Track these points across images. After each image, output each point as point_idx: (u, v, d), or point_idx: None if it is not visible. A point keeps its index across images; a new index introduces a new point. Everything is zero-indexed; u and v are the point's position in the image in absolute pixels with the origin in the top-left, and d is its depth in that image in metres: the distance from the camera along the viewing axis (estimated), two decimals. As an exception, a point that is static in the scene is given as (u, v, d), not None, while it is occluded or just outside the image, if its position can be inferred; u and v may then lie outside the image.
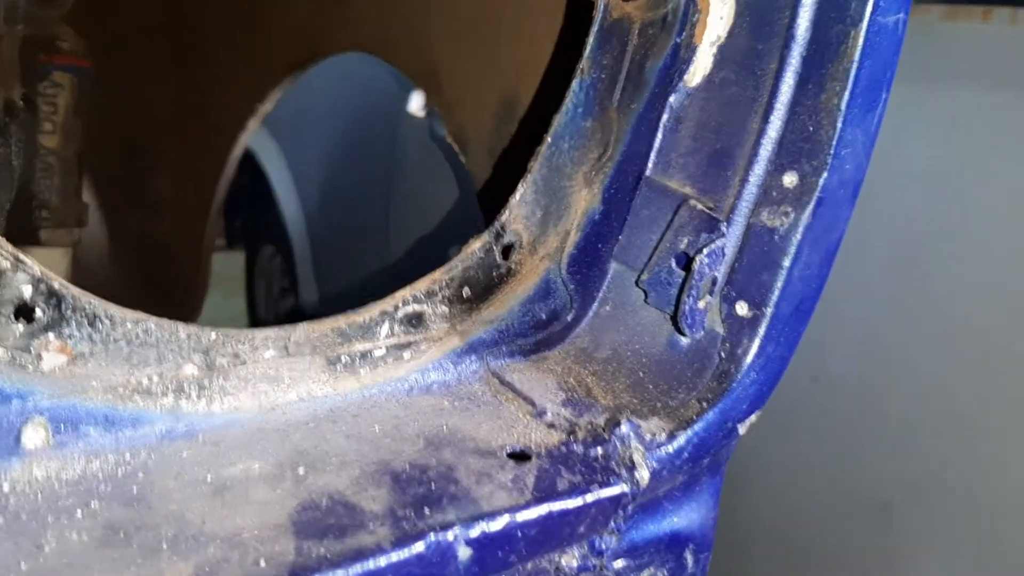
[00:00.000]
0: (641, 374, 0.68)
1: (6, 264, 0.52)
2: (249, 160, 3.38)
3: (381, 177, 2.58)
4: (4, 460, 0.51)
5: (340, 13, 1.61)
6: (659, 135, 0.69)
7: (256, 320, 3.95)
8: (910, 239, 1.49)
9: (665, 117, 0.69)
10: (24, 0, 1.08)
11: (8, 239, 0.54)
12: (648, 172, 0.70)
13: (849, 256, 1.55)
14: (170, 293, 2.13)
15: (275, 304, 3.75)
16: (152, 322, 0.56)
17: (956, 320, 1.40)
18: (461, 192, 1.88)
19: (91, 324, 0.54)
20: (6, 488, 0.50)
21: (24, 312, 0.52)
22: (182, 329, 0.57)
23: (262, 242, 3.69)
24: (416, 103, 2.30)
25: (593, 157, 0.69)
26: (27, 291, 0.52)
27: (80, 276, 1.94)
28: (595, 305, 0.72)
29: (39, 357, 0.53)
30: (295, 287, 3.33)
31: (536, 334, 0.70)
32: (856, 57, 0.60)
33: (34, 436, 0.52)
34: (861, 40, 0.60)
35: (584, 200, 0.70)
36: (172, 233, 2.02)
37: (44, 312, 0.53)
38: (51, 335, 0.53)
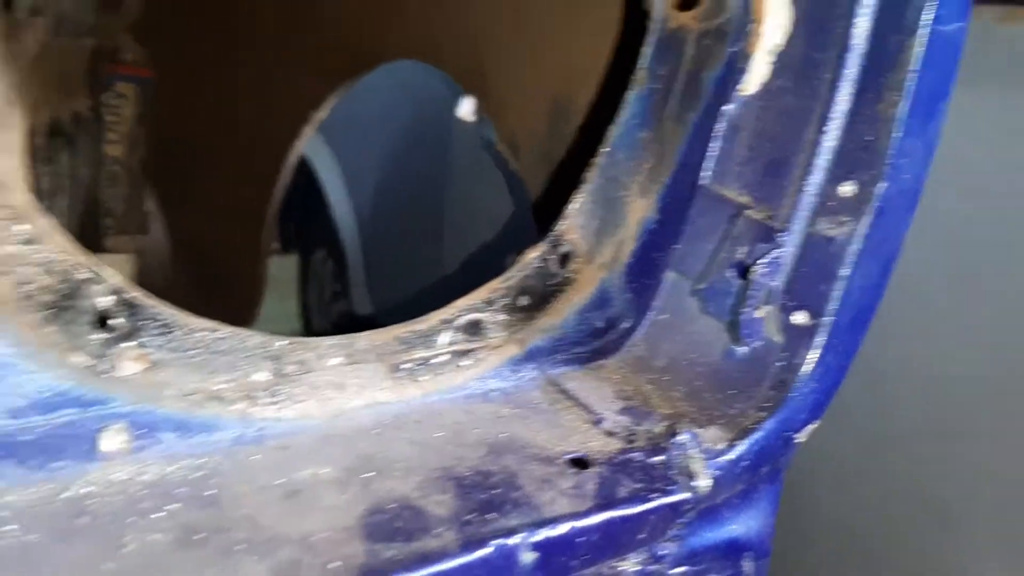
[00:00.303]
0: (698, 383, 0.69)
1: (87, 275, 0.54)
2: (303, 165, 3.43)
3: (433, 183, 2.60)
4: (83, 463, 0.53)
5: (391, 20, 1.63)
6: (715, 144, 0.70)
7: (308, 323, 4.00)
8: (968, 245, 1.47)
9: (721, 126, 0.69)
10: (91, 12, 1.11)
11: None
12: (704, 181, 0.71)
13: (906, 258, 1.53)
14: (228, 297, 2.17)
15: (327, 307, 3.79)
16: (225, 331, 0.58)
17: (1019, 319, 1.38)
18: (513, 198, 1.89)
19: (167, 333, 0.56)
20: (86, 491, 0.52)
21: (103, 321, 0.55)
22: (253, 337, 0.59)
23: (315, 246, 3.74)
24: (466, 108, 2.31)
25: (648, 167, 0.70)
26: (106, 301, 0.54)
27: (140, 280, 1.99)
28: (651, 314, 0.72)
29: (117, 365, 0.55)
30: (347, 291, 3.38)
31: (593, 342, 0.71)
32: (914, 67, 0.60)
33: (112, 441, 0.54)
34: (919, 49, 0.60)
35: (640, 210, 0.71)
36: (230, 238, 2.06)
37: (122, 321, 0.55)
38: (129, 343, 0.55)
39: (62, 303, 0.53)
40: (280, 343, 0.60)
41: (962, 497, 1.46)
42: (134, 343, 0.55)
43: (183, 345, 0.57)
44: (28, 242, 0.52)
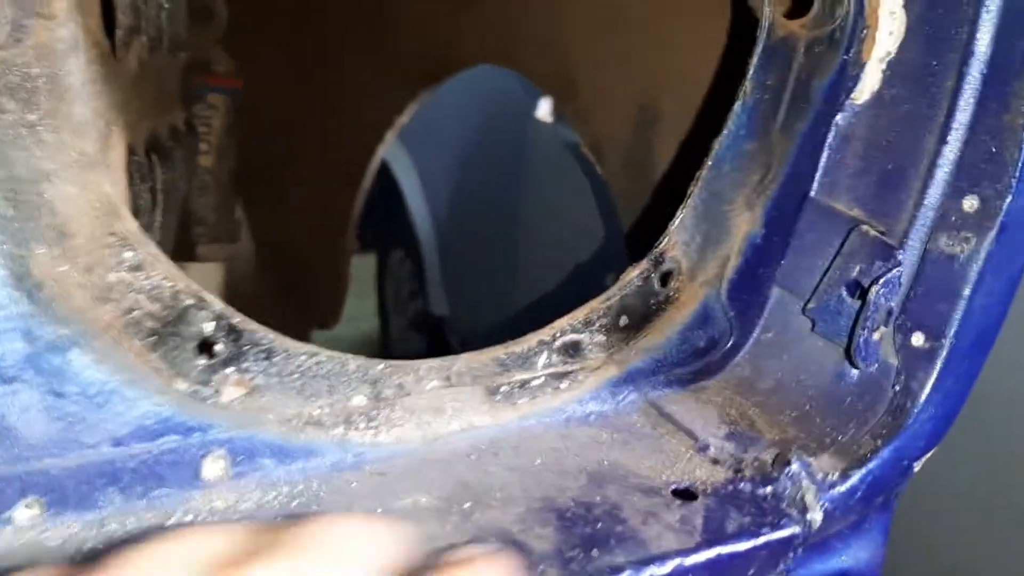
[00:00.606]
0: (808, 407, 0.66)
1: (191, 301, 0.54)
2: (382, 168, 3.46)
3: (509, 186, 2.60)
4: (186, 491, 0.53)
5: (471, 25, 1.62)
6: (825, 155, 0.67)
7: (385, 320, 4.05)
8: None
9: (831, 136, 0.66)
10: (184, 27, 1.13)
11: (168, 255, 0.56)
12: (813, 193, 0.67)
13: None
14: (311, 300, 2.21)
15: (404, 306, 3.83)
16: (324, 355, 0.58)
17: None
18: (597, 201, 1.87)
19: (268, 358, 0.56)
20: (188, 519, 0.52)
21: (206, 347, 0.54)
22: (352, 361, 0.58)
23: (392, 246, 3.78)
24: (544, 109, 2.30)
25: (755, 179, 0.67)
26: (209, 327, 0.54)
27: (229, 287, 2.03)
28: (756, 332, 0.70)
29: (219, 391, 0.55)
30: (423, 291, 3.40)
31: (694, 363, 0.68)
32: (1047, 73, 0.56)
33: (214, 468, 0.54)
34: (1053, 55, 0.56)
35: (745, 224, 0.68)
36: (312, 242, 2.09)
37: (225, 347, 0.55)
38: (231, 369, 0.55)
39: (166, 329, 0.53)
40: (379, 367, 0.59)
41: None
42: (236, 368, 0.55)
43: (284, 370, 0.56)
44: (135, 269, 0.52)
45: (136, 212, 0.81)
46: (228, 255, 1.36)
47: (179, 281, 0.54)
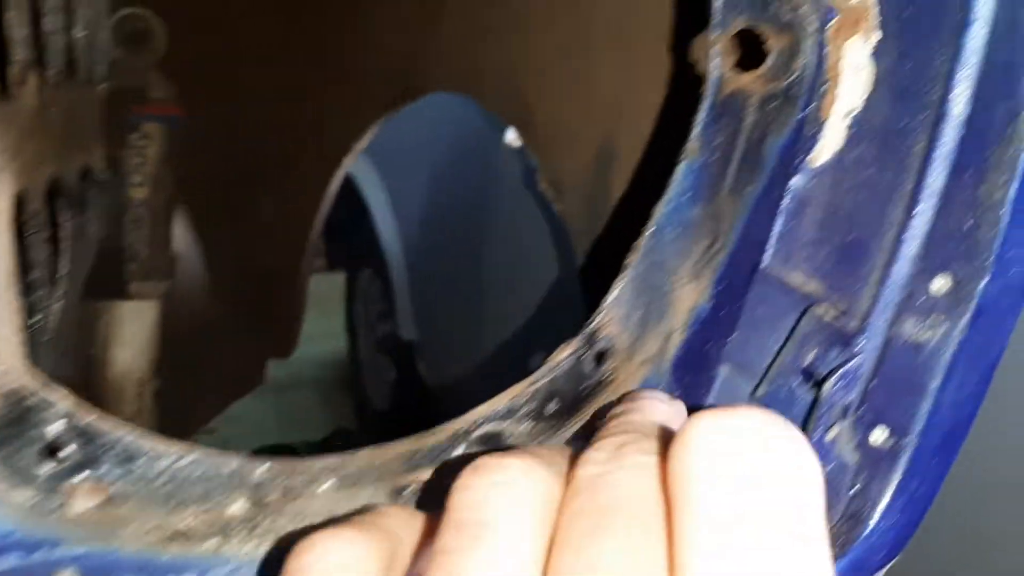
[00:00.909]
0: (756, 503, 0.58)
1: (33, 399, 0.46)
2: (350, 185, 3.39)
3: (474, 214, 2.53)
4: (31, 616, 0.46)
5: (432, 52, 1.56)
6: (779, 221, 0.60)
7: (354, 340, 3.96)
8: None
9: (786, 201, 0.59)
10: (108, 56, 1.05)
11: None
12: (766, 264, 0.60)
13: None
14: (268, 323, 2.13)
15: (373, 326, 3.75)
16: (196, 455, 0.50)
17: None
18: (554, 241, 1.81)
19: (127, 461, 0.48)
20: (31, 651, 0.44)
21: (52, 451, 0.47)
22: (229, 463, 0.50)
23: (362, 264, 3.71)
24: (512, 134, 2.23)
25: (701, 247, 0.60)
26: (55, 428, 0.46)
27: (178, 309, 1.95)
28: (702, 415, 0.62)
29: (68, 501, 0.47)
30: (393, 311, 3.32)
31: (634, 450, 0.61)
32: (1028, 142, 0.49)
33: (63, 589, 0.46)
34: (1034, 122, 0.49)
35: (690, 296, 0.61)
36: (270, 265, 2.02)
37: (74, 450, 0.47)
38: (82, 475, 0.47)
39: (4, 432, 0.45)
40: (262, 467, 0.51)
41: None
42: (89, 474, 0.47)
43: (147, 474, 0.49)
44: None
45: (30, 266, 0.73)
46: (164, 292, 1.28)
47: (21, 375, 0.46)
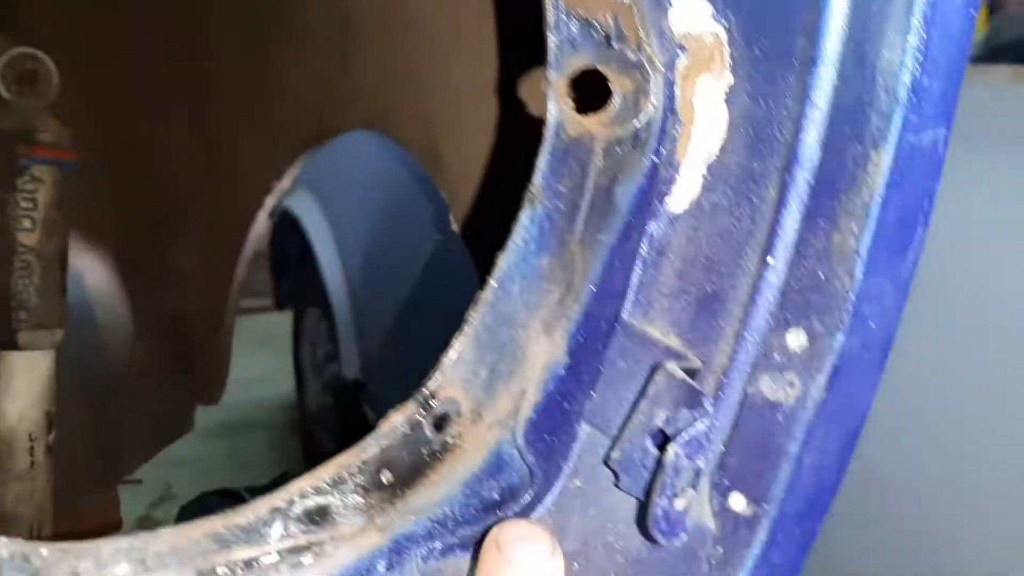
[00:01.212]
0: (614, 576, 0.54)
1: None
2: (293, 223, 3.34)
3: (407, 254, 2.49)
4: None
5: (347, 92, 1.52)
6: (637, 271, 0.56)
7: (301, 382, 3.89)
8: (982, 323, 1.31)
9: (644, 248, 0.55)
10: (3, 93, 1.00)
11: None
12: (625, 316, 0.56)
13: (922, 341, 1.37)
14: (193, 369, 2.06)
15: (320, 368, 3.68)
16: (-37, 542, 0.44)
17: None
18: (472, 282, 1.76)
19: None
20: None
21: None
22: (3, 548, 0.45)
23: (308, 304, 3.65)
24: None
25: (553, 300, 0.56)
26: None
27: (98, 357, 1.88)
28: (562, 480, 0.58)
29: None
30: (337, 352, 3.25)
31: (486, 519, 0.56)
32: (879, 188, 0.46)
33: None
34: (885, 166, 0.45)
35: (544, 352, 0.56)
36: (193, 309, 1.96)
37: None
38: None
39: None
40: (42, 553, 0.45)
41: None
42: None
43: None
44: None
45: None
46: (57, 342, 1.22)
47: None
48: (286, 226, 3.43)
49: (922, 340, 1.29)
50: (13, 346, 1.18)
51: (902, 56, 0.43)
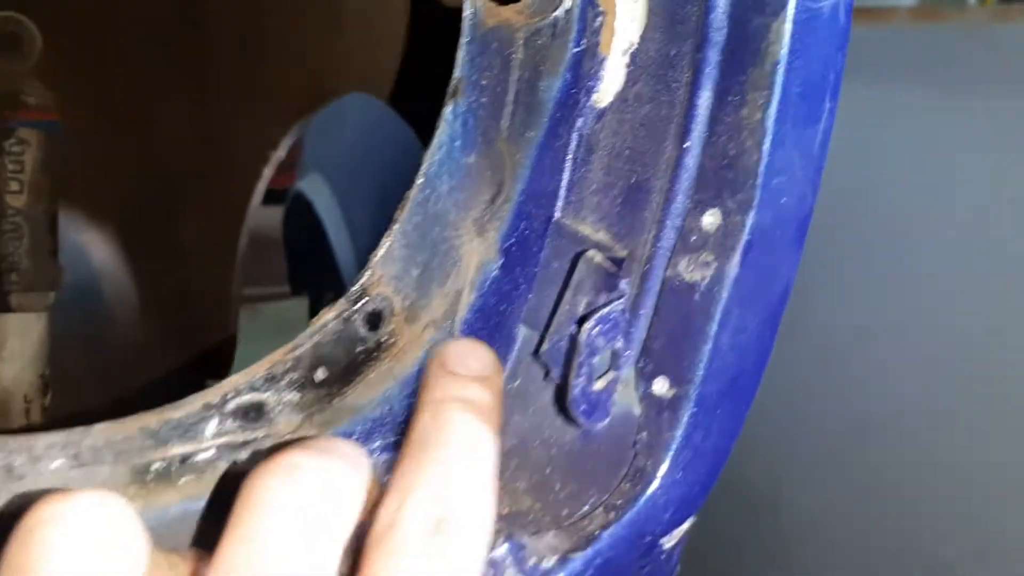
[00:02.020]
0: (548, 470, 0.54)
1: None
2: (305, 205, 3.36)
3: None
4: None
5: (338, 54, 1.54)
6: (567, 168, 0.56)
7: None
8: (968, 268, 1.29)
9: (573, 145, 0.56)
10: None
11: None
12: (558, 215, 0.57)
13: (902, 285, 1.36)
14: (201, 344, 2.08)
15: (338, 350, 3.67)
16: None
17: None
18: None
19: None
20: None
21: None
22: (-64, 440, 0.46)
23: (323, 287, 3.66)
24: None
25: (484, 199, 0.56)
26: None
27: (113, 329, 1.91)
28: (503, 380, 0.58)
29: None
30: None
31: (424, 420, 0.56)
32: (781, 58, 0.46)
33: None
34: (785, 35, 0.45)
35: (478, 252, 0.57)
36: (198, 283, 1.98)
37: None
38: None
39: None
40: (-28, 446, 0.47)
41: (968, 555, 1.28)
42: None
43: None
44: None
45: None
46: (49, 304, 1.24)
47: None
48: (299, 211, 3.45)
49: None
50: (6, 308, 1.20)
51: (795, -81, 0.43)
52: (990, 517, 1.28)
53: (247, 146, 1.77)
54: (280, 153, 1.80)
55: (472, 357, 0.47)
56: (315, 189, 3.34)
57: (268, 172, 1.84)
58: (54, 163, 1.22)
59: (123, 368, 1.95)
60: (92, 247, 1.83)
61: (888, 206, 1.42)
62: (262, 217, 1.93)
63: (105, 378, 1.93)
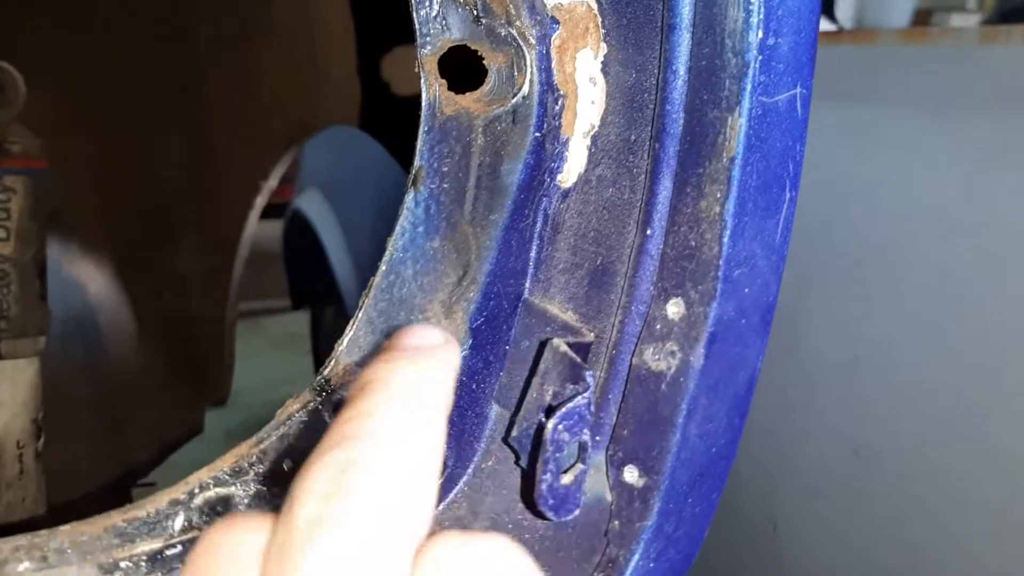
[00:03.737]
0: (521, 555, 0.54)
1: None
2: (304, 223, 3.37)
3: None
4: None
5: (324, 87, 1.54)
6: (534, 248, 0.56)
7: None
8: (957, 293, 1.28)
9: (539, 225, 0.55)
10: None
11: None
12: (526, 294, 0.56)
13: (893, 311, 1.35)
14: (199, 371, 2.09)
15: (339, 365, 3.68)
16: None
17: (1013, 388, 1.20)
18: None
19: None
20: None
21: None
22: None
23: (325, 302, 3.67)
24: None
25: (450, 282, 0.56)
26: None
27: (112, 359, 1.92)
28: (476, 460, 0.58)
29: None
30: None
31: (397, 503, 0.56)
32: (737, 153, 0.45)
33: None
34: (741, 130, 0.45)
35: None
36: (194, 311, 1.99)
37: None
38: None
39: None
40: (-61, 556, 0.47)
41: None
42: None
43: None
44: None
45: None
46: (39, 350, 1.24)
47: None
48: (298, 226, 3.47)
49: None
50: (-4, 356, 1.21)
51: (746, 16, 0.43)
52: (982, 540, 1.27)
53: (240, 177, 1.78)
54: (272, 183, 1.81)
55: (424, 333, 0.43)
56: (313, 205, 3.35)
57: (260, 201, 1.84)
58: (41, 210, 1.23)
59: (122, 396, 1.95)
60: (89, 281, 1.84)
61: (878, 229, 1.41)
62: (261, 233, 1.93)
63: (104, 407, 1.94)
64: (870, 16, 2.41)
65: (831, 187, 1.42)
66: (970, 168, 1.27)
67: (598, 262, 0.54)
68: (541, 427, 0.52)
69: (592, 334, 0.53)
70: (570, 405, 0.48)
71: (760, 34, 0.43)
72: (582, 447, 0.49)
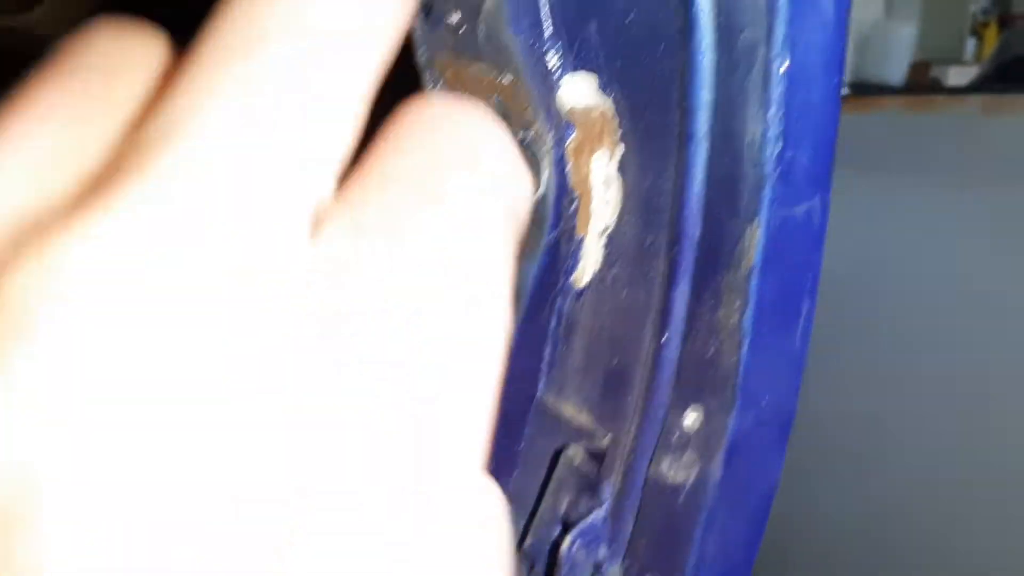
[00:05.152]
0: (533, 667, 0.52)
1: None
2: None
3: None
4: None
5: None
6: (548, 347, 0.55)
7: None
8: (966, 360, 1.28)
9: (553, 324, 0.55)
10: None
11: None
12: (540, 394, 0.56)
13: (909, 373, 1.34)
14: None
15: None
16: None
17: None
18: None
19: None
20: None
21: None
22: None
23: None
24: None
25: (463, 383, 0.55)
26: None
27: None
28: (487, 563, 0.57)
29: None
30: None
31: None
32: (755, 264, 0.45)
33: None
34: (760, 241, 0.45)
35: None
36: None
37: None
38: None
39: None
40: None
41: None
42: None
43: None
44: None
45: None
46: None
47: None
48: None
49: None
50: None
51: (764, 129, 0.43)
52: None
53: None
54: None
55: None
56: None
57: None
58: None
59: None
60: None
61: (890, 294, 1.40)
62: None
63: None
64: (869, 69, 2.43)
65: (843, 251, 1.42)
66: (979, 237, 1.27)
67: (614, 363, 0.53)
68: (556, 542, 0.51)
69: (607, 438, 0.52)
70: (586, 522, 0.47)
71: (779, 146, 0.43)
72: (597, 566, 0.48)
